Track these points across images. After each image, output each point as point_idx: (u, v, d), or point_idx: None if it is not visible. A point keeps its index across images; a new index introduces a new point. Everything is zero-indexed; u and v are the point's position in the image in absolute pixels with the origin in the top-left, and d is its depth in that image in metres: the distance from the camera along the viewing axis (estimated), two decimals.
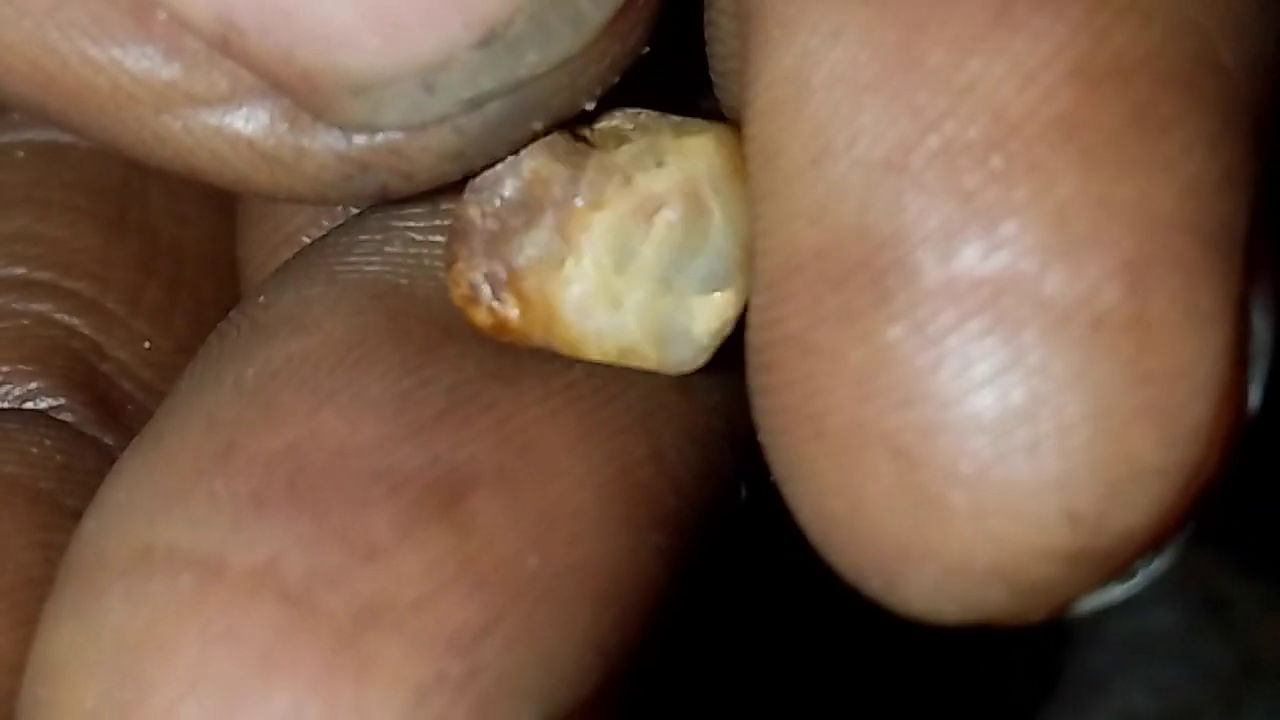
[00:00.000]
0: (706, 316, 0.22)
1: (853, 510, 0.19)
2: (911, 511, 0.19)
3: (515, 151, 0.22)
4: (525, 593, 0.20)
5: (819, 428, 0.19)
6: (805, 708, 0.43)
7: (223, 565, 0.20)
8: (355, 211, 0.29)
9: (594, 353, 0.22)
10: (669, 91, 0.23)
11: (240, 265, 0.31)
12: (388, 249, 0.23)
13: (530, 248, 0.22)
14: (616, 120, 0.23)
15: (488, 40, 0.20)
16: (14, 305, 0.29)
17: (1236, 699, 0.46)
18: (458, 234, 0.22)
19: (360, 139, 0.21)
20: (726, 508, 0.24)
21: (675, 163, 0.22)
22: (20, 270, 0.30)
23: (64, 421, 0.28)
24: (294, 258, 0.24)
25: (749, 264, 0.21)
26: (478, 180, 0.22)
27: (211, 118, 0.21)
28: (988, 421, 0.18)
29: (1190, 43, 0.19)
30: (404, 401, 0.21)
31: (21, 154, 0.31)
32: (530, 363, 0.22)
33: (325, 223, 0.29)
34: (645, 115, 0.23)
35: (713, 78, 0.24)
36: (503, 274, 0.22)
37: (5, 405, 0.28)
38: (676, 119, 0.23)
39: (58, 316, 0.29)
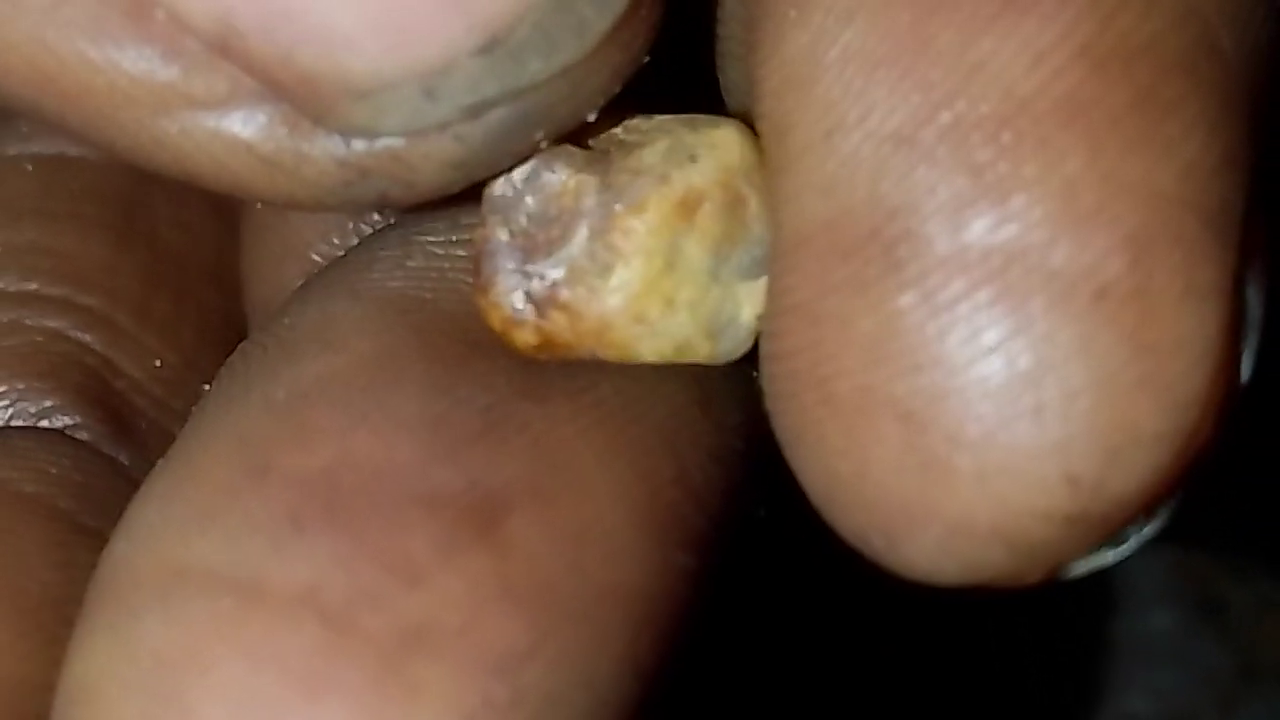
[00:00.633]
0: (753, 301, 0.22)
1: (858, 472, 0.20)
2: (917, 473, 0.19)
3: (519, 163, 0.22)
4: (565, 615, 0.20)
5: (826, 393, 0.20)
6: (807, 711, 0.44)
7: (263, 586, 0.20)
8: (363, 224, 0.29)
9: (648, 354, 0.22)
10: (659, 97, 0.23)
11: (244, 280, 0.31)
12: (409, 263, 0.23)
13: (569, 260, 0.22)
14: (619, 130, 0.23)
15: (490, 47, 0.20)
16: (27, 321, 0.29)
17: (1233, 701, 0.46)
18: (486, 256, 0.22)
19: (360, 145, 0.20)
20: (746, 528, 0.24)
21: (707, 155, 0.22)
22: (33, 285, 0.29)
23: (80, 440, 0.28)
24: (314, 277, 0.24)
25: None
26: (495, 199, 0.22)
27: (209, 121, 0.20)
28: (994, 387, 0.19)
29: (1191, 28, 0.20)
30: (438, 421, 0.21)
31: (29, 166, 0.31)
32: (557, 379, 0.22)
33: (335, 239, 0.29)
34: (654, 119, 0.23)
35: (719, 74, 0.25)
36: (544, 291, 0.22)
37: (21, 423, 0.28)
38: (684, 117, 0.23)
39: (70, 333, 0.29)
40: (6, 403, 0.28)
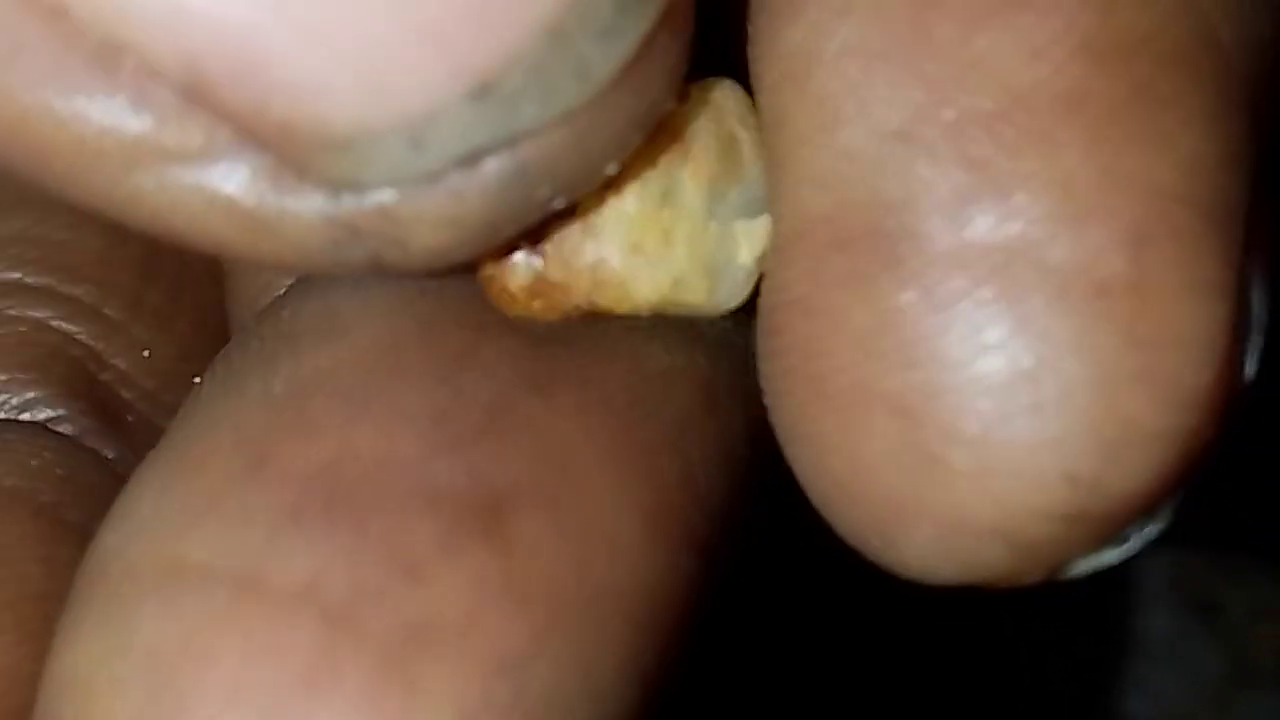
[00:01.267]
0: (751, 242, 0.22)
1: (854, 469, 0.20)
2: (913, 470, 0.19)
3: (525, 230, 0.20)
4: (568, 615, 0.20)
5: (821, 389, 0.20)
6: (807, 712, 0.43)
7: (261, 580, 0.19)
8: None
9: (646, 291, 0.21)
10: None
11: (229, 279, 0.30)
12: None
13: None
14: None
15: (481, 93, 0.18)
16: (11, 311, 0.28)
17: (1227, 704, 0.46)
18: None
19: (350, 201, 0.19)
20: (748, 533, 0.23)
21: (698, 96, 0.22)
22: (17, 274, 0.29)
23: (63, 433, 0.28)
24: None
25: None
26: None
27: (186, 175, 0.19)
28: (992, 384, 0.19)
29: (1190, 22, 0.20)
30: (441, 414, 0.20)
31: None
32: (564, 369, 0.22)
33: None
34: None
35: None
36: (535, 230, 0.21)
37: (3, 415, 0.28)
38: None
39: (56, 323, 0.29)
40: None
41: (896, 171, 0.19)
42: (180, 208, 0.19)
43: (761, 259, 0.22)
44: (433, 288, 0.22)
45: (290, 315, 0.22)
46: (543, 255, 0.21)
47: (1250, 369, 0.20)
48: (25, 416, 0.28)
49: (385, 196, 0.19)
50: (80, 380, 0.28)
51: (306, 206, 0.19)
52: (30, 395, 0.28)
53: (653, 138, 0.21)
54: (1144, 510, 0.20)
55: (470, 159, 0.19)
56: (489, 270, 0.22)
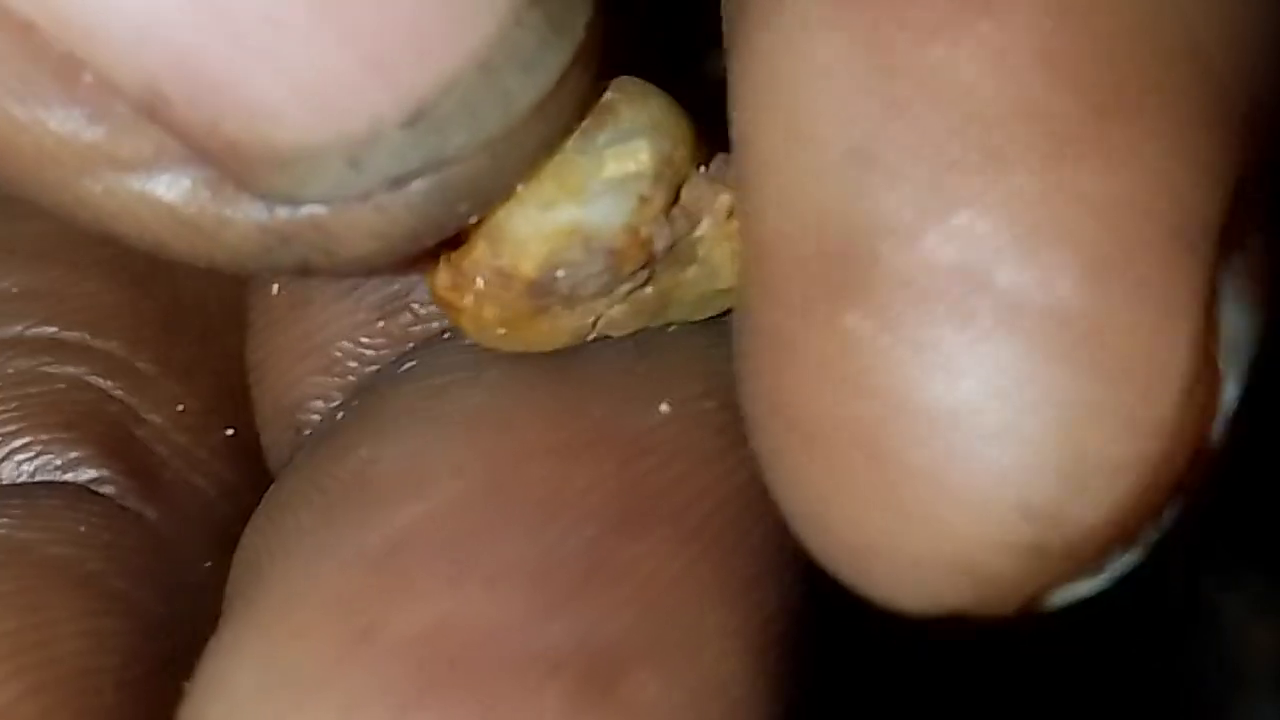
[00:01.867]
0: (620, 160, 0.22)
1: (822, 502, 0.19)
2: (874, 504, 0.19)
3: (446, 238, 0.22)
4: None
5: (788, 416, 0.19)
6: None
7: None
8: (389, 321, 0.28)
9: (535, 243, 0.22)
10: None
11: (255, 369, 0.30)
12: (485, 376, 0.23)
13: None
14: None
15: (414, 120, 0.19)
16: (47, 369, 0.28)
17: (1224, 705, 0.47)
18: None
19: (283, 212, 0.20)
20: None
21: None
22: (52, 329, 0.29)
23: (105, 495, 0.27)
24: (373, 392, 0.24)
25: (663, 127, 0.22)
26: None
27: (134, 182, 0.20)
28: (943, 413, 0.18)
29: (1166, 26, 0.19)
30: (542, 567, 0.20)
31: None
32: (657, 505, 0.21)
33: (362, 337, 0.28)
34: None
35: None
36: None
37: (45, 477, 0.27)
38: None
39: (91, 379, 0.28)
40: (30, 454, 0.28)
41: (848, 190, 0.19)
42: (125, 212, 0.20)
43: (639, 176, 0.22)
44: (510, 407, 0.22)
45: (371, 459, 0.22)
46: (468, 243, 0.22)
47: (1232, 390, 0.19)
48: (68, 477, 0.28)
49: (317, 210, 0.20)
50: (119, 438, 0.28)
51: (243, 216, 0.20)
52: (72, 455, 0.28)
53: None
54: (1117, 541, 0.19)
55: (400, 180, 0.20)
56: (443, 297, 0.23)
